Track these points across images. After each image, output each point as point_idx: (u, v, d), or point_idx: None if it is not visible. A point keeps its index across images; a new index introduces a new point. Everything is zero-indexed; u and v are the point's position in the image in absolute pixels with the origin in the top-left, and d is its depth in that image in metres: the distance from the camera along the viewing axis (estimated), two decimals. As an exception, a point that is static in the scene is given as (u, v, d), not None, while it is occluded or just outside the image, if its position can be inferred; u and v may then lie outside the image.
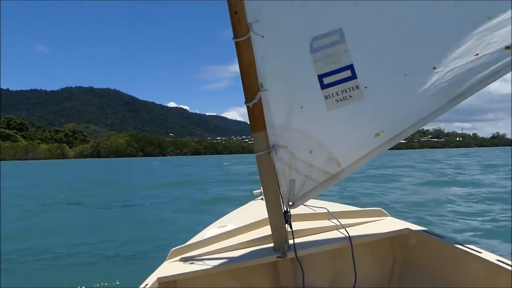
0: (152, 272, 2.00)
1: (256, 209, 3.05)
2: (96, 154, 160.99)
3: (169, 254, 2.22)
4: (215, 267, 1.95)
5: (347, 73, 1.71)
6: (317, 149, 1.81)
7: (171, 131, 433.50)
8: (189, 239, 2.53)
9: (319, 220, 2.33)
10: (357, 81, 1.71)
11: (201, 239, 2.33)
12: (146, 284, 1.84)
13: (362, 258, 2.10)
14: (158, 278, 1.91)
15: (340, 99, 1.73)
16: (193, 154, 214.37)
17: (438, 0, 1.62)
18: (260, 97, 1.76)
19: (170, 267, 2.06)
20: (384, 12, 1.66)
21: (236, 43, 1.73)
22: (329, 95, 1.73)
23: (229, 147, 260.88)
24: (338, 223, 2.18)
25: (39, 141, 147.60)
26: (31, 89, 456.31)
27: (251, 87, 1.75)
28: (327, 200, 2.89)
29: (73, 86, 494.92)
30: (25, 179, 30.57)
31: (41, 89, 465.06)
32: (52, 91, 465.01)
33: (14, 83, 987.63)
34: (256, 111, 1.78)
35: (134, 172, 40.72)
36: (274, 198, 1.87)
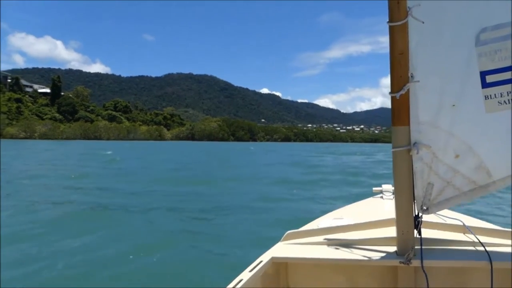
0: (266, 250, 2.05)
1: (375, 207, 2.96)
2: (191, 137, 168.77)
3: (284, 236, 2.21)
4: (329, 259, 1.88)
5: None
6: (465, 154, 1.64)
7: (263, 117, 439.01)
8: (304, 224, 2.53)
9: (452, 232, 2.10)
10: None
11: (316, 227, 2.27)
12: (261, 261, 1.87)
13: (501, 284, 1.83)
14: (272, 258, 1.93)
15: (504, 101, 1.54)
16: (283, 140, 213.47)
17: None
18: (409, 88, 1.61)
19: (284, 249, 2.05)
20: None
21: (391, 27, 1.59)
22: (490, 95, 1.55)
23: (319, 135, 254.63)
24: (476, 240, 1.92)
25: (140, 123, 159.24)
26: (139, 76, 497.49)
27: (400, 76, 1.61)
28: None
29: (174, 72, 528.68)
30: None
31: (147, 76, 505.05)
32: (156, 77, 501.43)
33: (125, 70, 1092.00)
34: (401, 103, 1.64)
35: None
36: (406, 200, 1.73)
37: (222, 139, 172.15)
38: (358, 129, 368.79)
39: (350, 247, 1.97)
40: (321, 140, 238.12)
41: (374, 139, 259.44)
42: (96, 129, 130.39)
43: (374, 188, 3.49)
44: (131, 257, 5.66)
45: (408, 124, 1.65)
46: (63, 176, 16.92)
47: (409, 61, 1.60)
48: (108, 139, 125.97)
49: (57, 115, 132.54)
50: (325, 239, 2.09)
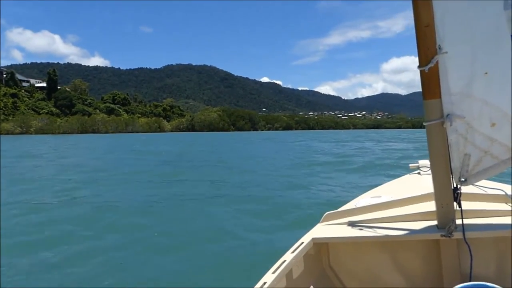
0: (306, 232, 2.07)
1: (412, 183, 2.96)
2: (191, 128, 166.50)
3: (323, 218, 2.22)
4: (369, 236, 1.88)
5: None
6: (502, 122, 1.59)
7: (264, 106, 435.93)
8: (341, 205, 2.53)
9: (494, 203, 2.06)
10: None
11: (354, 207, 2.27)
12: (302, 243, 1.89)
13: None
14: (313, 239, 1.95)
15: None
16: (284, 129, 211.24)
17: None
18: (438, 60, 1.57)
19: (324, 230, 2.07)
20: None
21: (414, 1, 1.56)
22: None
23: (321, 122, 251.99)
24: None
25: (139, 115, 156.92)
26: (138, 68, 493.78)
27: (427, 49, 1.57)
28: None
29: (174, 63, 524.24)
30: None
31: (146, 68, 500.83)
32: (155, 69, 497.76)
33: (124, 63, 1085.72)
34: (431, 76, 1.60)
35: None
36: (444, 173, 1.70)
37: (223, 129, 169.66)
38: (360, 115, 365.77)
39: (389, 224, 1.95)
40: (323, 128, 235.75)
41: (377, 125, 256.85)
42: (93, 123, 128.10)
43: (410, 165, 3.37)
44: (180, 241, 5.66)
45: (440, 97, 1.62)
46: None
47: (435, 33, 1.55)
48: (106, 132, 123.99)
49: (53, 109, 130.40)
50: (364, 217, 2.08)
